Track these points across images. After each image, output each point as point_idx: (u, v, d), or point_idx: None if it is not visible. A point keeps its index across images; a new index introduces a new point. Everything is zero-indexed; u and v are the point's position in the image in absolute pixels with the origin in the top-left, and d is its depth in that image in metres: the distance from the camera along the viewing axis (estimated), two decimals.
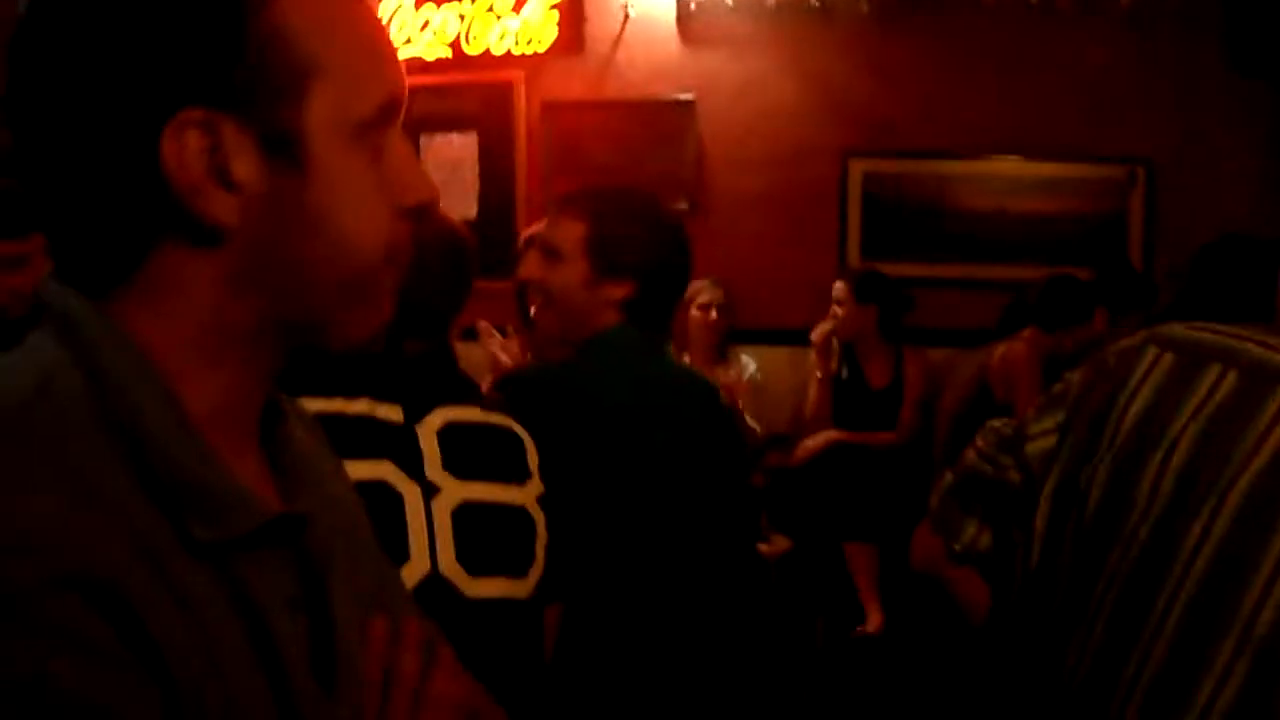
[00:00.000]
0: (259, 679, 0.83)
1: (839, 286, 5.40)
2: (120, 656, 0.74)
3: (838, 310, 5.38)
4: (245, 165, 0.84)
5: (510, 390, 2.25)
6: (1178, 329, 1.75)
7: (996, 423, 2.06)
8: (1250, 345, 1.61)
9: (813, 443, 5.29)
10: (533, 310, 2.50)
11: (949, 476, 2.14)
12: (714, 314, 5.43)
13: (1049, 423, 1.88)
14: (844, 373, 5.48)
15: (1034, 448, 1.87)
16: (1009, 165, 5.80)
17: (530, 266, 2.48)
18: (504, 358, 4.71)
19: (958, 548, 2.02)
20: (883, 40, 5.84)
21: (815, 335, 5.39)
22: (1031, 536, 1.81)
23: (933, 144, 5.83)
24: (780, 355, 5.74)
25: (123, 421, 0.82)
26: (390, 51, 0.92)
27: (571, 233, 2.35)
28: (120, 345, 0.84)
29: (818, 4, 5.83)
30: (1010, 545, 1.91)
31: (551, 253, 2.38)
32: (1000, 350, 4.89)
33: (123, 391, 0.83)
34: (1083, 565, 1.70)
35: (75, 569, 0.73)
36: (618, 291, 2.32)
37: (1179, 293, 2.52)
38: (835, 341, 5.43)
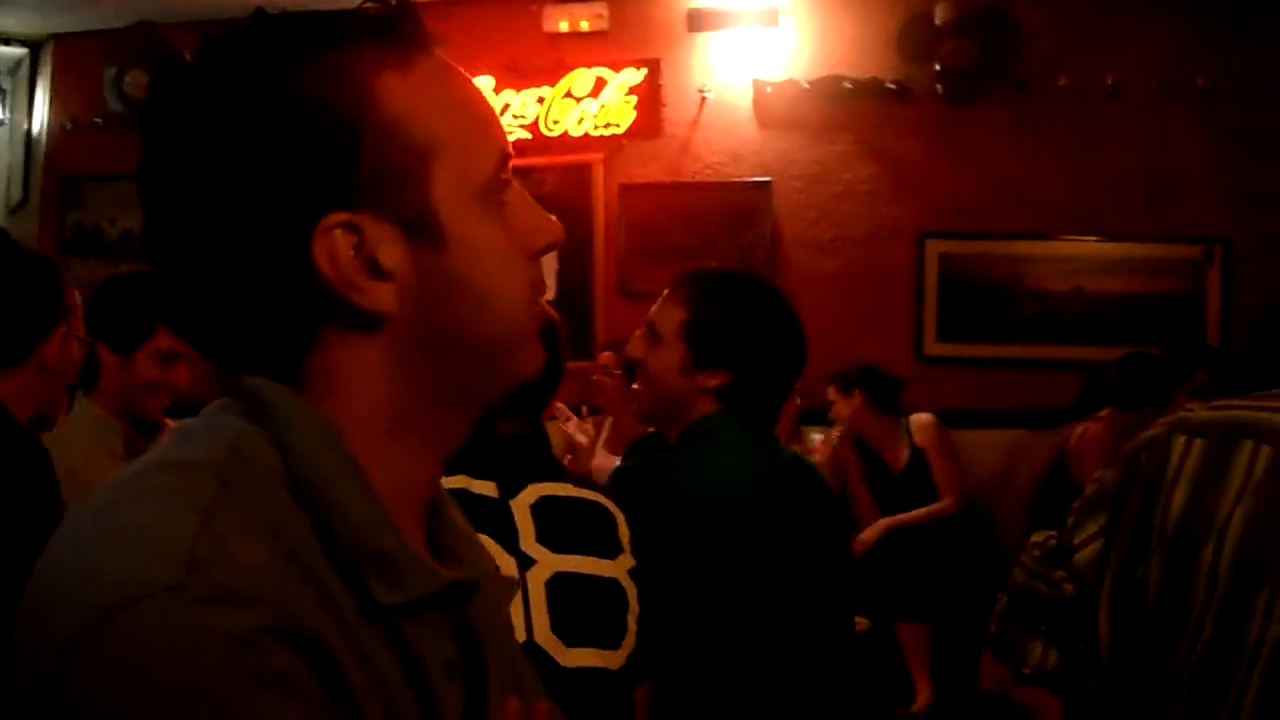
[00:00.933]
0: None
1: (828, 390, 5.45)
2: (331, 710, 0.77)
3: (836, 412, 5.44)
4: (391, 253, 0.88)
5: (616, 482, 2.26)
6: (1199, 412, 1.76)
7: (1038, 537, 2.07)
8: (1274, 416, 1.63)
9: (868, 535, 5.29)
10: (634, 386, 2.53)
11: (1003, 601, 2.15)
12: (798, 400, 5.47)
13: (1092, 528, 1.89)
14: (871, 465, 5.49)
15: (1082, 557, 1.89)
16: (1085, 245, 5.80)
17: (636, 345, 2.50)
18: (580, 439, 4.78)
19: (1026, 670, 2.03)
20: (957, 122, 5.88)
21: (820, 455, 5.41)
22: (1096, 644, 1.83)
23: (1008, 225, 5.84)
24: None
25: (309, 489, 0.85)
26: (490, 111, 0.96)
27: (673, 317, 2.35)
28: (308, 420, 0.88)
29: (893, 86, 5.88)
30: (1077, 657, 1.92)
31: (654, 334, 2.38)
32: (1079, 430, 4.89)
33: (312, 462, 0.86)
34: (1151, 665, 1.72)
35: (285, 621, 0.76)
36: (712, 380, 2.31)
37: (1231, 370, 2.49)
38: (848, 448, 5.47)
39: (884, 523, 5.28)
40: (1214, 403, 1.77)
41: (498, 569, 1.13)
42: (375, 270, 0.87)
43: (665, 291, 2.40)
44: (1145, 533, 1.74)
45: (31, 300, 2.40)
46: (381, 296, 0.88)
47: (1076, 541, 1.93)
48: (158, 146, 0.89)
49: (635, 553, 1.99)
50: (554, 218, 0.97)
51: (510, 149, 0.94)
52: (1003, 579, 2.60)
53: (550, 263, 6.08)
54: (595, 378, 5.17)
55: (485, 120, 0.94)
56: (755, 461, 2.34)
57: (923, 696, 5.08)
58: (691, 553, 2.16)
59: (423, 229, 0.88)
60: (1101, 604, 1.83)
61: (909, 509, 5.30)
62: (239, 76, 0.87)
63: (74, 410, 2.61)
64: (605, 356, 5.17)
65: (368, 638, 0.83)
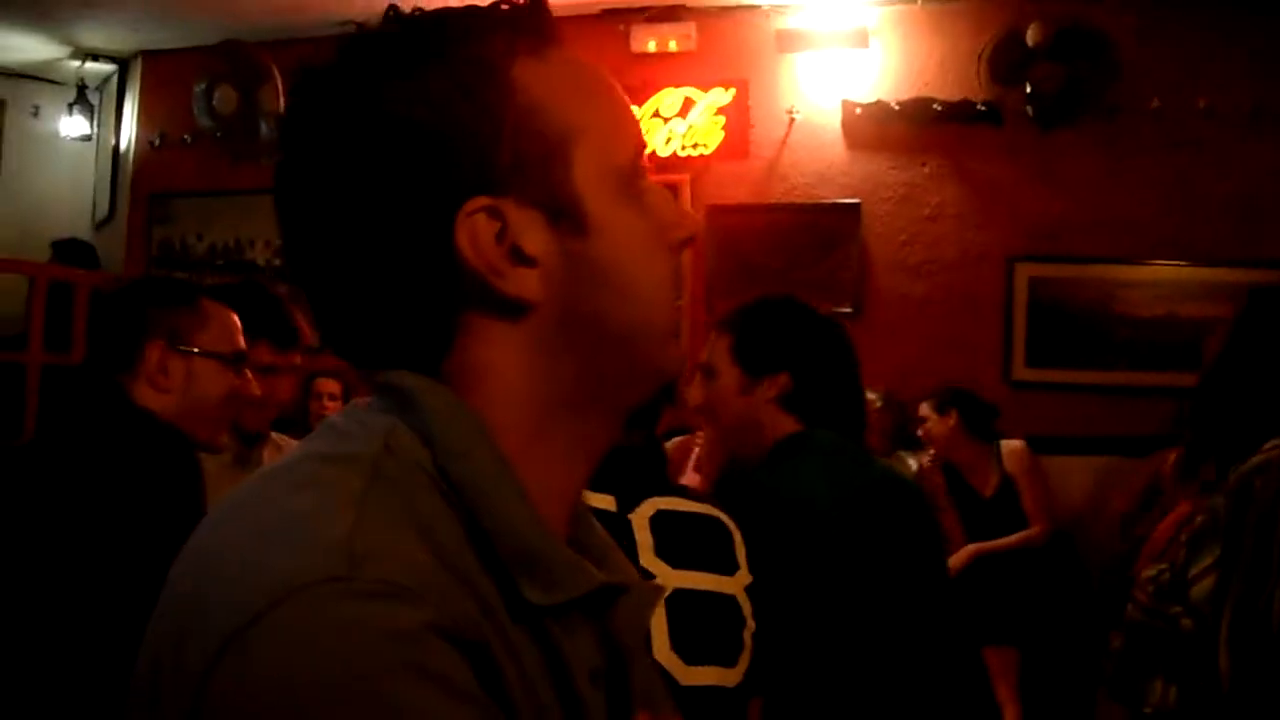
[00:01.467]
0: None
1: (922, 407, 5.42)
2: (490, 708, 0.77)
3: (928, 430, 5.39)
4: (535, 239, 0.88)
5: (716, 491, 2.26)
6: None
7: (1150, 572, 2.04)
8: None
9: (955, 561, 5.25)
10: (709, 434, 2.55)
11: (1117, 640, 2.12)
12: (878, 403, 5.45)
13: (1207, 559, 1.86)
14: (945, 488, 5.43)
15: (1199, 590, 1.86)
16: (1177, 270, 5.73)
17: (694, 393, 2.51)
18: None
19: (1148, 710, 2.01)
20: (1048, 144, 5.83)
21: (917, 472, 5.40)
22: (1218, 679, 1.80)
23: (1099, 249, 5.78)
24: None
25: (460, 485, 0.85)
26: (625, 102, 0.95)
27: (720, 348, 2.40)
28: (457, 414, 0.88)
29: (983, 108, 5.85)
30: (1198, 692, 1.89)
31: (708, 371, 2.42)
32: (1173, 456, 4.82)
33: (462, 457, 0.86)
34: (1276, 697, 1.70)
35: (447, 619, 0.76)
36: (772, 389, 2.33)
37: (1221, 352, 2.47)
38: (936, 473, 5.43)
39: (972, 548, 5.24)
40: None
41: (636, 573, 1.12)
42: (519, 256, 0.87)
43: (711, 337, 2.46)
44: (1265, 561, 1.71)
45: (113, 317, 2.47)
46: (526, 282, 0.88)
47: (1191, 575, 1.91)
48: (299, 147, 0.91)
49: (752, 567, 1.98)
50: (693, 214, 0.99)
51: (644, 140, 0.95)
52: (1091, 604, 2.60)
53: None
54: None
55: (622, 109, 0.94)
56: (848, 469, 2.34)
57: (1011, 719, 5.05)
58: (791, 559, 2.15)
59: (566, 214, 0.88)
60: (1221, 638, 1.81)
61: (995, 535, 5.26)
62: (377, 73, 0.88)
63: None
64: None
65: (517, 639, 0.83)
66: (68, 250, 7.02)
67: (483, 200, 0.86)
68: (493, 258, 0.87)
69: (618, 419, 0.97)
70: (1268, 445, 1.82)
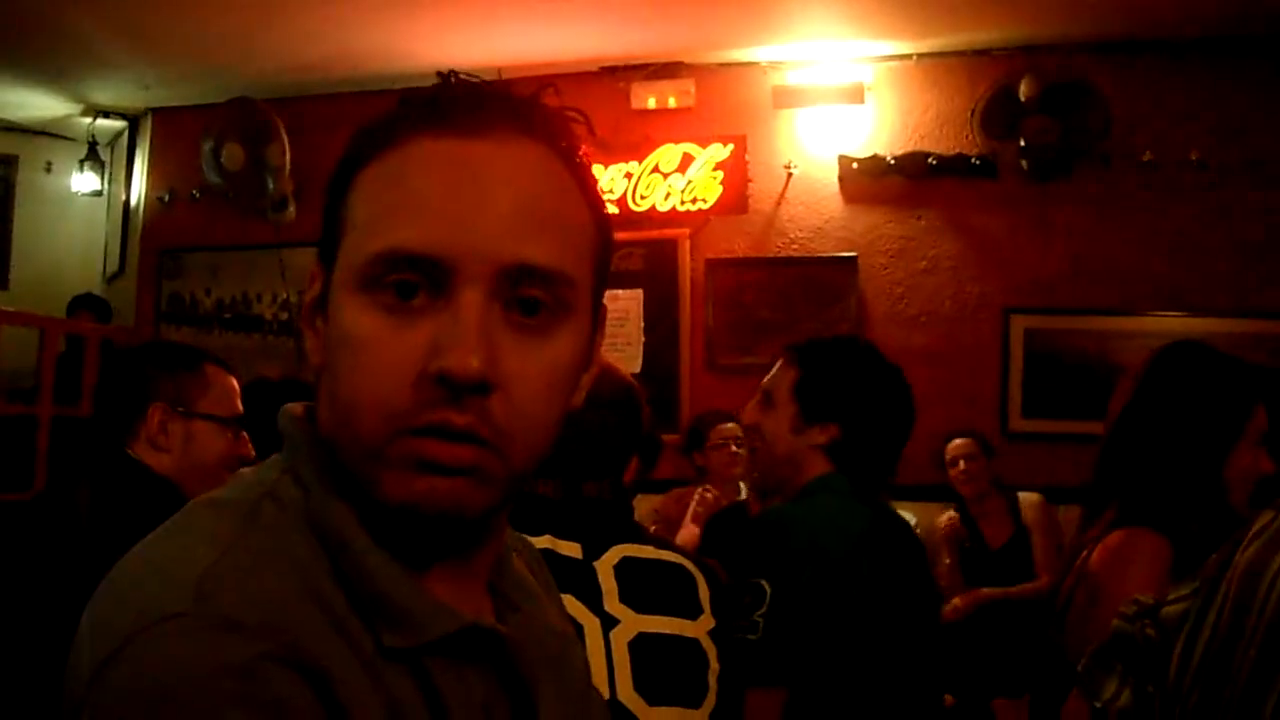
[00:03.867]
0: None
1: (963, 444, 5.41)
2: None
3: (969, 473, 5.38)
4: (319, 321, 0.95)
5: (723, 527, 2.30)
6: None
7: (1142, 596, 2.13)
8: None
9: (962, 602, 5.27)
10: (753, 453, 2.59)
11: (1095, 644, 2.21)
12: None
13: (1185, 589, 1.95)
14: (967, 543, 5.41)
15: (1169, 610, 1.95)
16: (1172, 321, 5.76)
17: (750, 412, 2.57)
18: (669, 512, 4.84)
19: (1098, 704, 2.08)
20: (1043, 197, 5.89)
21: (943, 526, 5.42)
22: (1165, 689, 1.88)
23: (1094, 300, 5.84)
24: (938, 514, 5.72)
25: (322, 533, 0.89)
26: (425, 199, 0.88)
27: (784, 379, 2.46)
28: (316, 461, 0.93)
29: (977, 162, 5.92)
30: (1146, 698, 1.97)
31: (767, 398, 2.48)
32: None
33: (322, 508, 0.90)
34: (1204, 701, 1.79)
35: (291, 650, 0.79)
36: (822, 436, 2.39)
37: (1126, 405, 2.59)
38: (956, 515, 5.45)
39: (981, 593, 5.26)
40: None
41: (562, 619, 1.17)
42: (311, 320, 0.97)
43: (779, 359, 2.51)
44: (1216, 588, 1.81)
45: (115, 381, 2.61)
46: (311, 343, 0.97)
47: (1169, 598, 2.00)
48: None
49: (715, 612, 2.03)
50: (468, 352, 0.85)
51: (419, 248, 0.87)
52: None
53: (636, 335, 6.16)
54: (731, 450, 5.15)
55: (403, 207, 0.89)
56: (861, 515, 2.38)
57: None
58: (800, 595, 2.21)
59: (325, 297, 0.94)
60: (1175, 655, 1.90)
61: (1000, 585, 5.28)
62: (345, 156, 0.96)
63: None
64: (729, 428, 5.14)
65: (391, 673, 0.86)
66: (83, 306, 7.13)
67: (313, 265, 0.97)
68: (304, 313, 0.97)
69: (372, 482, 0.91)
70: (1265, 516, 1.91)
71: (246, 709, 0.76)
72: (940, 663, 2.54)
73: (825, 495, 2.38)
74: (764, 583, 2.20)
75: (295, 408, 0.99)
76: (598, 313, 1.00)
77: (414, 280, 0.87)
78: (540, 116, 0.94)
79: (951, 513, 5.44)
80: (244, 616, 0.79)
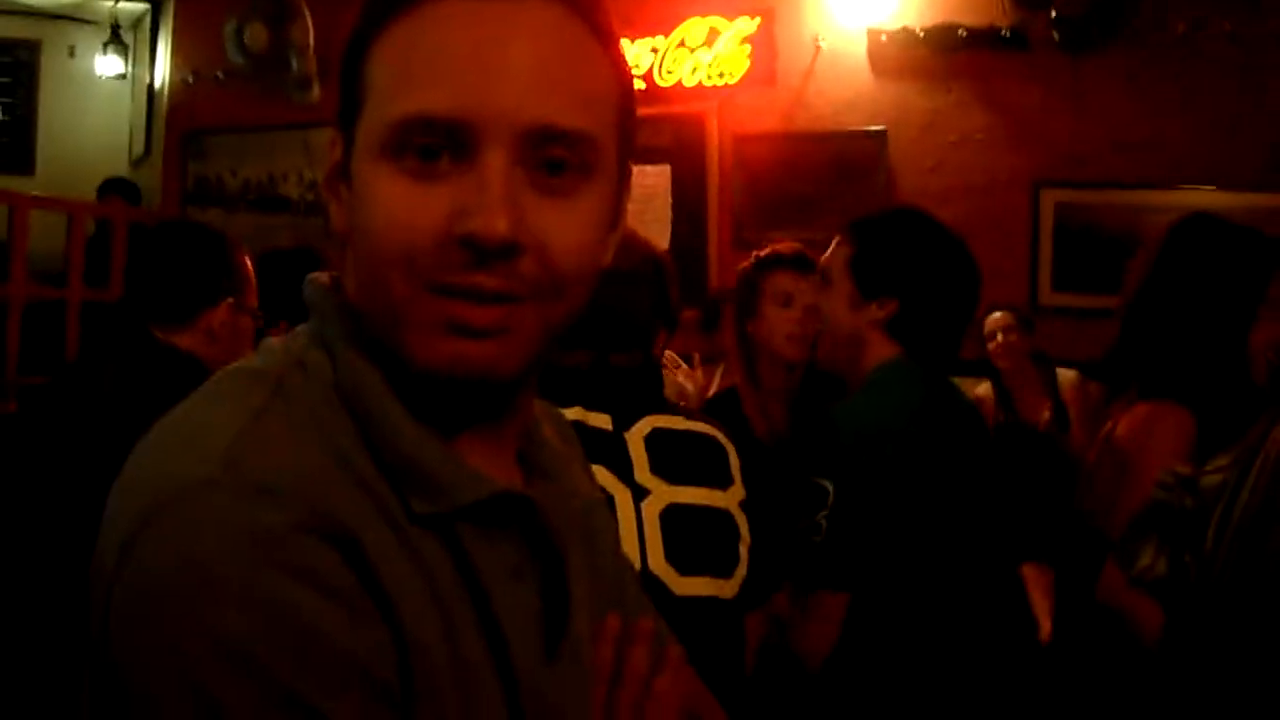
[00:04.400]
0: (480, 641, 0.89)
1: (1001, 317, 5.34)
2: (358, 602, 0.80)
3: (1009, 346, 5.31)
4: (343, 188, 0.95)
5: (805, 427, 2.30)
6: None
7: (1180, 467, 2.14)
8: None
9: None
10: (817, 335, 2.57)
11: (1131, 514, 2.23)
12: None
13: (1223, 460, 1.98)
14: (1004, 416, 5.37)
15: (1208, 480, 1.98)
16: (1205, 195, 5.68)
17: (809, 293, 2.54)
18: (689, 386, 4.82)
19: (1133, 573, 2.10)
20: (1075, 70, 5.79)
21: (980, 393, 5.39)
22: (1202, 557, 1.91)
23: (1126, 174, 5.75)
24: (971, 387, 5.70)
25: (350, 400, 0.90)
26: (454, 61, 0.87)
27: (840, 257, 2.42)
28: (344, 329, 0.94)
29: (1008, 34, 5.82)
30: (1182, 568, 2.00)
31: (825, 278, 2.45)
32: None
33: (349, 374, 0.91)
34: (1239, 571, 1.82)
35: (323, 518, 0.80)
36: (880, 312, 2.35)
37: (1145, 279, 2.60)
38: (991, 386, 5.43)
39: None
40: None
41: (592, 488, 1.18)
42: (335, 191, 0.97)
43: (835, 241, 2.46)
44: (1252, 461, 1.84)
45: (197, 270, 2.54)
46: (334, 211, 0.97)
47: (1207, 469, 2.02)
48: None
49: (746, 482, 2.03)
50: (495, 216, 0.85)
51: (443, 112, 0.86)
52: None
53: (664, 212, 6.13)
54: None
55: (431, 69, 0.87)
56: (927, 408, 2.37)
57: (1045, 628, 5.10)
58: (864, 497, 2.20)
59: (346, 163, 0.94)
60: (1212, 523, 1.92)
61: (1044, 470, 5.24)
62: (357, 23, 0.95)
63: None
64: None
65: (421, 539, 0.87)
66: (113, 189, 7.12)
67: (332, 132, 0.96)
68: (326, 180, 0.96)
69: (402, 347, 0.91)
70: None
71: (280, 574, 0.77)
72: (1014, 543, 2.52)
73: (890, 387, 2.35)
74: (826, 483, 2.19)
75: (321, 277, 1.00)
76: (623, 174, 1.00)
77: (437, 144, 0.86)
78: None
79: (987, 385, 5.43)
80: (275, 483, 0.80)
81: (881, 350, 2.37)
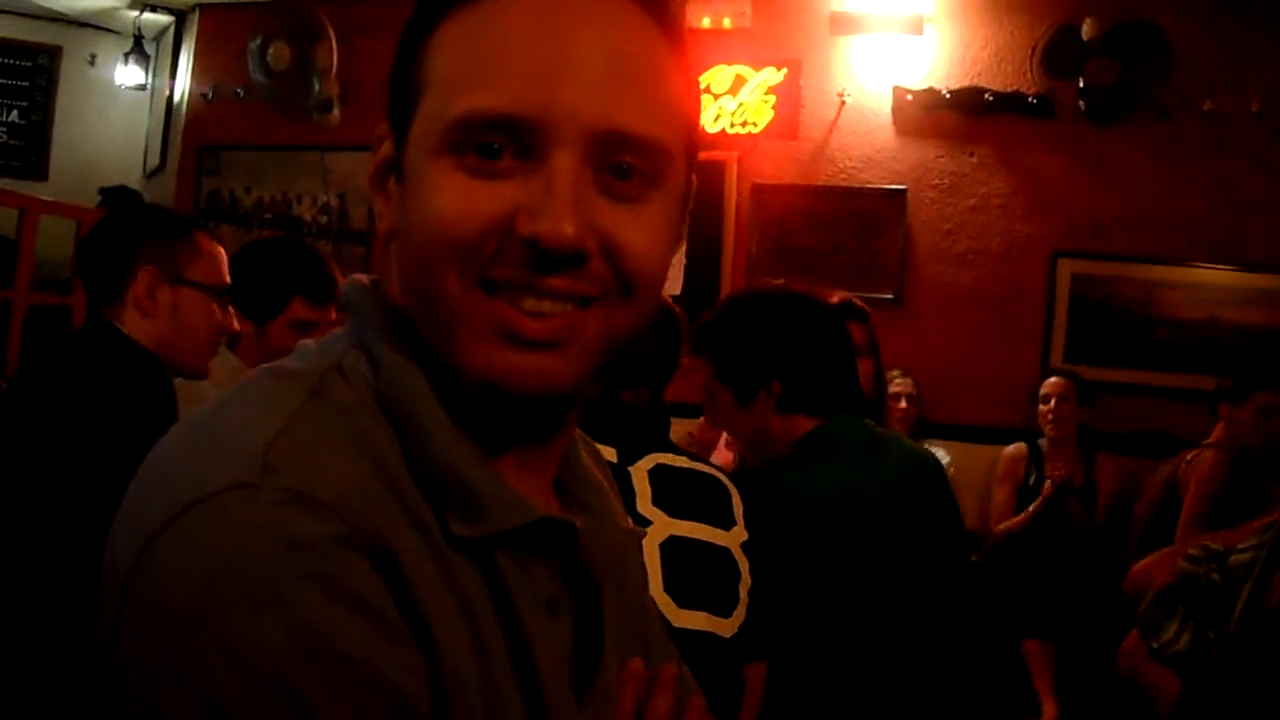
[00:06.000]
0: (512, 676, 0.85)
1: (1059, 382, 5.38)
2: (393, 622, 0.77)
3: (1054, 407, 5.34)
4: (393, 180, 0.92)
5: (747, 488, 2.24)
6: None
7: (1210, 541, 2.14)
8: None
9: (1011, 523, 5.26)
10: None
11: (1158, 587, 2.22)
12: (904, 404, 5.48)
13: (1254, 540, 1.97)
14: (1032, 479, 5.39)
15: (1237, 559, 1.98)
16: (1222, 274, 5.68)
17: (705, 424, 2.54)
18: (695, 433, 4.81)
19: (1156, 645, 2.10)
20: (1098, 140, 5.79)
21: (1006, 458, 5.40)
22: (1225, 636, 1.90)
23: (1144, 248, 5.74)
24: (975, 453, 5.67)
25: (394, 410, 0.86)
26: (520, 58, 0.83)
27: (709, 376, 2.38)
28: (388, 332, 0.90)
29: (1034, 100, 5.81)
30: (1205, 644, 1.99)
31: (708, 394, 2.40)
32: (1190, 456, 4.79)
33: (394, 384, 0.87)
34: (1262, 653, 1.80)
35: (362, 532, 0.76)
36: (768, 398, 2.31)
37: None
38: (1025, 447, 5.42)
39: (1030, 509, 5.22)
40: None
41: (631, 530, 1.13)
42: (380, 183, 0.94)
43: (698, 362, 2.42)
44: None
45: (109, 243, 2.50)
46: (381, 209, 0.94)
47: (1239, 547, 2.03)
48: None
49: (750, 530, 2.01)
50: (559, 219, 0.81)
51: (507, 108, 0.82)
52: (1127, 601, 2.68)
53: (678, 258, 6.08)
54: None
55: (496, 64, 0.83)
56: (868, 463, 2.32)
57: (1049, 711, 5.05)
58: (812, 553, 2.16)
59: (399, 159, 0.90)
60: (1239, 603, 1.93)
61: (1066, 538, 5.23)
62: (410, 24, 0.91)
63: (216, 359, 2.65)
64: None
65: (457, 562, 0.83)
66: (116, 198, 7.10)
67: (384, 129, 0.93)
68: (373, 177, 0.93)
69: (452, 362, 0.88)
70: None
71: (314, 588, 0.73)
72: (961, 608, 2.45)
73: (820, 457, 2.30)
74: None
75: (362, 278, 0.96)
76: (689, 187, 0.96)
77: (500, 142, 0.82)
78: None
79: (1020, 444, 5.41)
80: (315, 492, 0.76)
81: (794, 427, 2.33)
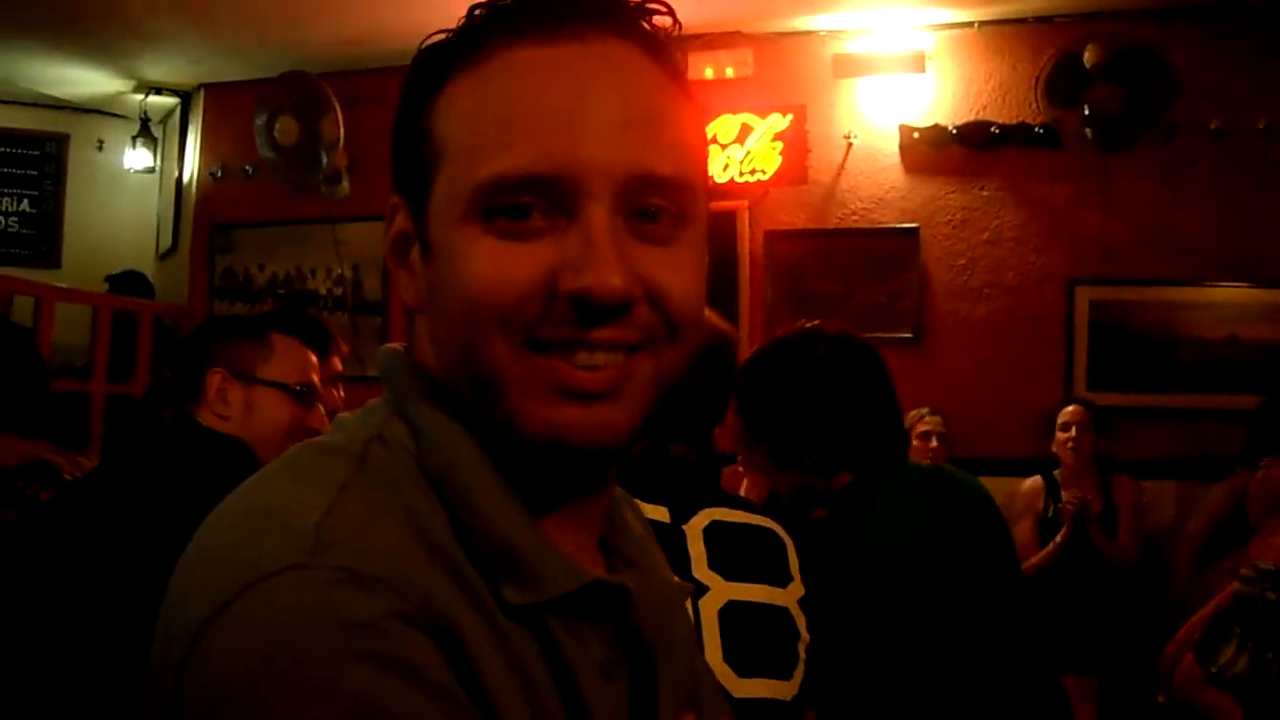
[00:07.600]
0: None
1: (1076, 410, 5.35)
2: (455, 695, 0.75)
3: (1075, 435, 5.31)
4: (414, 251, 0.90)
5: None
6: None
7: (1263, 563, 2.11)
8: None
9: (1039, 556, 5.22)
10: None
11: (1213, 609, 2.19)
12: (934, 442, 5.44)
13: None
14: (1050, 511, 5.35)
15: None
16: (1239, 292, 5.67)
17: (743, 459, 2.51)
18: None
19: (1214, 669, 2.06)
20: (1107, 167, 5.79)
21: (1025, 491, 5.38)
22: None
23: (1160, 271, 5.73)
24: (1000, 486, 5.63)
25: (439, 479, 0.85)
26: (538, 117, 0.82)
27: (741, 437, 2.34)
28: (429, 400, 0.89)
29: (1041, 131, 5.82)
30: (1264, 665, 1.95)
31: (744, 443, 2.37)
32: (1259, 475, 4.73)
33: (439, 449, 0.86)
34: None
35: (420, 607, 0.75)
36: (808, 465, 2.26)
37: None
38: (1041, 480, 5.39)
39: (1058, 539, 5.18)
40: None
41: (676, 587, 1.11)
42: (401, 257, 0.93)
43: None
44: None
45: (186, 346, 2.68)
46: (404, 284, 0.93)
47: None
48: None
49: (806, 584, 1.96)
50: (612, 272, 0.81)
51: (542, 168, 0.82)
52: (1168, 631, 2.65)
53: None
54: None
55: (518, 125, 0.83)
56: (921, 507, 2.26)
57: None
58: (869, 616, 2.11)
59: (420, 232, 0.89)
60: None
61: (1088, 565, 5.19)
62: (409, 89, 0.91)
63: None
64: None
65: (512, 631, 0.82)
66: (123, 283, 7.13)
67: (396, 201, 0.92)
68: (391, 251, 0.92)
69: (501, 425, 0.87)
70: None
71: (375, 668, 0.71)
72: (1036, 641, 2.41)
73: (869, 507, 2.24)
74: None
75: (396, 346, 0.95)
76: (706, 219, 0.95)
77: (529, 201, 0.82)
78: (627, 14, 0.88)
79: (1036, 478, 5.38)
80: (369, 569, 0.75)
81: (837, 481, 2.27)
